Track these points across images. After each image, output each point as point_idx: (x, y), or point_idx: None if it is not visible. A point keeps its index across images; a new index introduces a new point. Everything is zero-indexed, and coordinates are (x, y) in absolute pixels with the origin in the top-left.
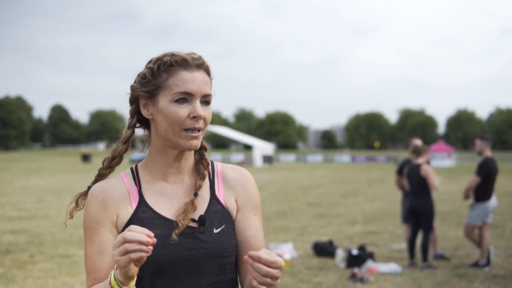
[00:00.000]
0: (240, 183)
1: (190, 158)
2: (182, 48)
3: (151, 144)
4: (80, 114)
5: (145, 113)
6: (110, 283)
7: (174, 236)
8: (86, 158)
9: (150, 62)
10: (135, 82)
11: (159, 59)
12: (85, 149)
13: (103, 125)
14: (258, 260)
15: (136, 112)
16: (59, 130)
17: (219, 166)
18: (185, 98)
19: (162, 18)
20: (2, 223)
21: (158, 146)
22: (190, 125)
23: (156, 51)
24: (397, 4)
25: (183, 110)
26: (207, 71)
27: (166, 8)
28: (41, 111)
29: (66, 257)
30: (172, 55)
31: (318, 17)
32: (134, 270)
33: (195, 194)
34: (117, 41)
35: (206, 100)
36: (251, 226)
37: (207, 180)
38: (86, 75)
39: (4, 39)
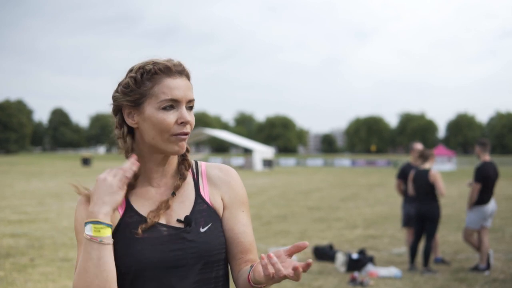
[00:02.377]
0: (224, 181)
1: (173, 162)
2: (182, 50)
3: (135, 151)
4: (80, 117)
5: (129, 122)
6: (92, 237)
7: (139, 230)
8: (86, 161)
9: (131, 71)
10: (117, 91)
11: (141, 67)
12: (85, 152)
13: (103, 129)
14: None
15: (123, 122)
16: (59, 134)
17: (203, 166)
18: (171, 105)
19: (163, 20)
20: (3, 227)
21: (142, 153)
22: (178, 131)
23: (156, 54)
24: (397, 5)
25: (170, 117)
26: (188, 77)
27: (166, 10)
28: (41, 115)
29: (66, 261)
30: (154, 63)
31: (318, 19)
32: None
33: (173, 194)
34: (118, 44)
35: (190, 105)
36: (239, 223)
37: (191, 181)
38: (86, 78)
39: (4, 41)
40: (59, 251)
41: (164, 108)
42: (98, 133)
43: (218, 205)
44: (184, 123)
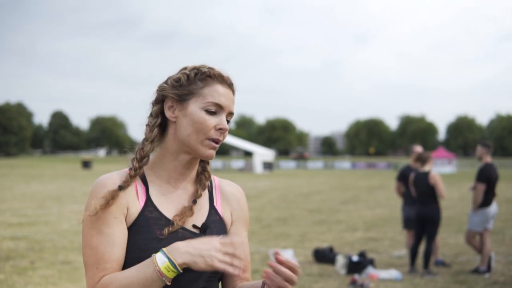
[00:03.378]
0: (236, 198)
1: (195, 168)
2: (181, 54)
3: (163, 146)
4: (81, 120)
5: (169, 114)
6: (159, 270)
7: (165, 232)
8: (86, 164)
9: (184, 69)
10: (165, 83)
11: (196, 68)
12: (85, 155)
13: (103, 132)
14: (286, 264)
15: (160, 113)
16: (59, 137)
17: (216, 180)
18: (215, 109)
19: (162, 24)
20: (3, 229)
21: (171, 150)
22: (214, 136)
23: (156, 57)
24: (396, 8)
25: (211, 120)
26: (234, 92)
27: (165, 14)
28: (42, 118)
29: (67, 264)
30: (210, 68)
31: (317, 21)
32: None
33: (194, 201)
34: (117, 47)
35: (228, 118)
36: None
37: (206, 191)
38: (86, 81)
39: (3, 45)
40: (59, 254)
41: (208, 111)
42: (98, 135)
43: (227, 219)
44: (222, 130)
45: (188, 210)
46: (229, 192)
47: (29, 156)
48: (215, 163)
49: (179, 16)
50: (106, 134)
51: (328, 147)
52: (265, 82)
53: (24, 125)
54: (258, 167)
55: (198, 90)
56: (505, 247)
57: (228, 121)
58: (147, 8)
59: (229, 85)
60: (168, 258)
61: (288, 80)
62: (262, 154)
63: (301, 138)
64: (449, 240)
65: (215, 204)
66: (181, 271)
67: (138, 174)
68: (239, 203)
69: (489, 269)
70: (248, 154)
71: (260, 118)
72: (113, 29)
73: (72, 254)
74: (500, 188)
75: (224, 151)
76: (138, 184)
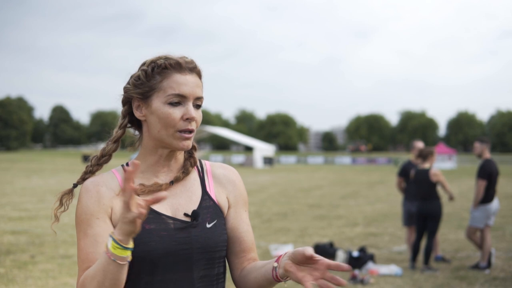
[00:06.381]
0: (230, 180)
1: (180, 158)
2: (183, 49)
3: (142, 144)
4: (81, 114)
5: (138, 114)
6: (107, 251)
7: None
8: (86, 158)
9: (143, 64)
10: (128, 83)
11: (153, 61)
12: (85, 149)
13: (103, 126)
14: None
15: (128, 113)
16: (60, 131)
17: (207, 165)
18: (178, 100)
19: (164, 19)
20: (3, 223)
21: (149, 146)
22: (183, 127)
23: (157, 52)
24: (397, 5)
25: (176, 112)
26: (199, 75)
27: (167, 9)
28: (42, 112)
29: (67, 258)
30: (166, 58)
31: (318, 18)
32: (140, 225)
33: (171, 182)
34: (119, 42)
35: (197, 103)
36: (243, 222)
37: (197, 178)
38: (87, 76)
39: (5, 39)
40: (60, 248)
41: (171, 103)
42: (99, 130)
43: (223, 203)
44: (189, 120)
45: (157, 185)
46: (222, 175)
47: (30, 150)
48: (216, 158)
49: (181, 11)
50: (107, 128)
51: (328, 142)
52: (266, 77)
53: (25, 119)
54: (259, 162)
55: (157, 84)
56: (505, 243)
57: (199, 106)
58: (149, 3)
59: (190, 69)
60: (111, 236)
61: (289, 76)
62: (263, 149)
63: (302, 133)
64: (449, 236)
65: (207, 189)
66: (125, 245)
67: (94, 171)
68: (234, 184)
69: (489, 265)
70: (248, 149)
71: (261, 113)
72: (114, 24)
73: (72, 248)
74: (500, 184)
75: (225, 145)
76: (123, 182)
